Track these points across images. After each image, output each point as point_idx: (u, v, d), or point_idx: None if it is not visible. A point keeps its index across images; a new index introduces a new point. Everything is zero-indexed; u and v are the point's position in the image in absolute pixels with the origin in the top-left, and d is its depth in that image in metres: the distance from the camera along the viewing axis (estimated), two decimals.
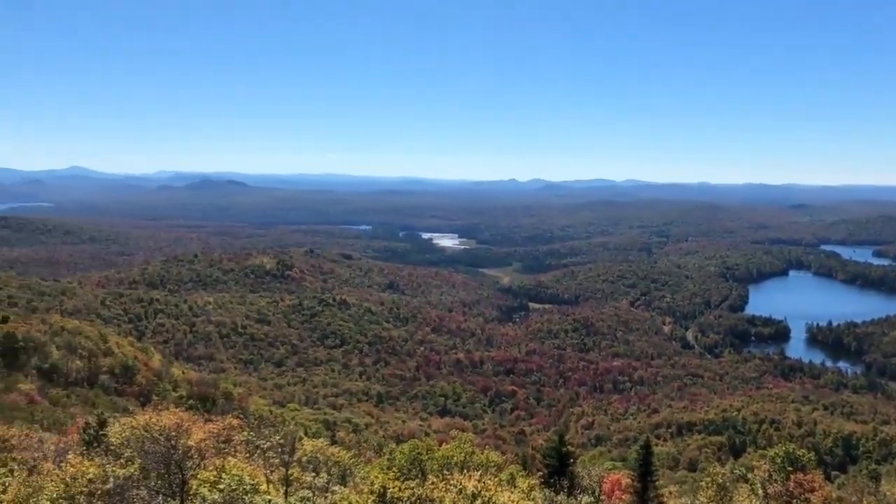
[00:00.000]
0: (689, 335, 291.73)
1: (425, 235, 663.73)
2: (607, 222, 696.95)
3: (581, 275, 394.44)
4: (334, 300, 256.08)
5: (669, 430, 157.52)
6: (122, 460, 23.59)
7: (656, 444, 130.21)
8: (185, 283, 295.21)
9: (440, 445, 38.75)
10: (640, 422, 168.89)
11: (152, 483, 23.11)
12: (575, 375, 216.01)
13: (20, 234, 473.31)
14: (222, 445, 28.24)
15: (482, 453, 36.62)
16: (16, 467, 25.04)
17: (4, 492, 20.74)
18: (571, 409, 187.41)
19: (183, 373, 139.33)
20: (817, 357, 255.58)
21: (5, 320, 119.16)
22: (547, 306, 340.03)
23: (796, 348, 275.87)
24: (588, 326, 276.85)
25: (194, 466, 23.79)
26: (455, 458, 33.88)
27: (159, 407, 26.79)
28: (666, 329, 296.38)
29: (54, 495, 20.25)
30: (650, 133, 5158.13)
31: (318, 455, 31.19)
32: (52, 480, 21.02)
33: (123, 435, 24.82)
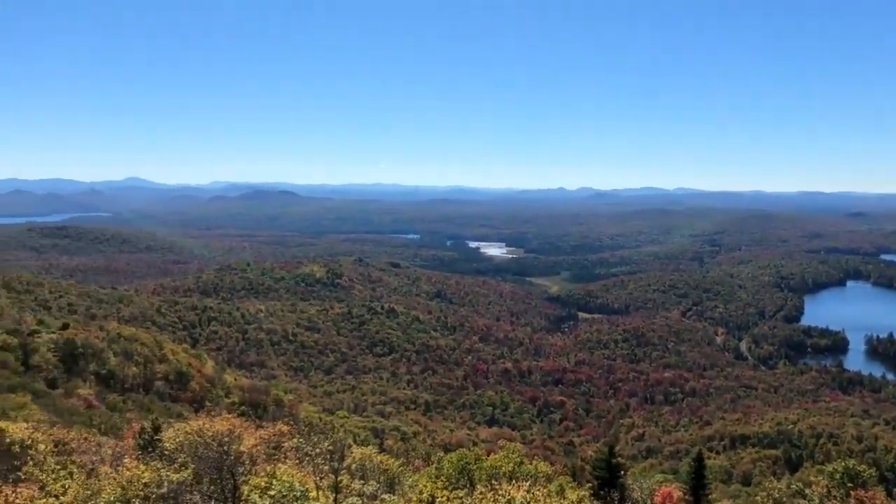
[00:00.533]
0: (743, 346, 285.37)
1: (473, 244, 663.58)
2: (658, 231, 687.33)
3: (631, 284, 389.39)
4: (383, 308, 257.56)
5: (722, 443, 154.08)
6: (175, 465, 24.02)
7: (709, 457, 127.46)
8: (237, 291, 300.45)
9: (488, 455, 38.56)
10: (691, 434, 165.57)
11: (205, 488, 23.46)
12: (625, 386, 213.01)
13: (80, 243, 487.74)
14: (273, 452, 28.59)
15: (531, 464, 36.31)
16: (75, 470, 25.70)
17: (64, 493, 21.31)
18: (621, 421, 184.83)
19: (235, 379, 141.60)
20: (877, 370, 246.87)
21: (65, 327, 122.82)
22: (596, 316, 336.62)
23: (855, 360, 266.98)
24: (638, 337, 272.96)
25: (246, 472, 24.08)
26: (503, 468, 33.66)
27: (212, 413, 27.25)
28: (718, 340, 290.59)
29: (111, 498, 20.74)
30: (702, 141, 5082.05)
31: (367, 463, 31.31)
32: (109, 483, 21.53)
33: (177, 440, 25.26)
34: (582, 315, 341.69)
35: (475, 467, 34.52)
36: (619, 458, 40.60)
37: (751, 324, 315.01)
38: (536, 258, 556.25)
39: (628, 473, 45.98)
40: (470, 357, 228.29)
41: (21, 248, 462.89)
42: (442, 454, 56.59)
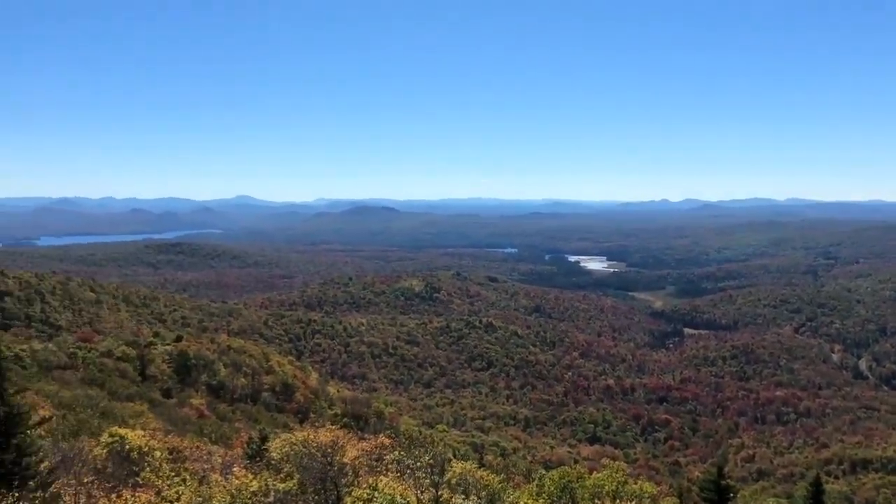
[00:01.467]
0: (862, 364, 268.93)
1: (572, 258, 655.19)
2: (768, 243, 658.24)
3: (740, 299, 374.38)
4: (481, 323, 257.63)
5: (841, 467, 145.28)
6: (281, 475, 24.60)
7: (827, 482, 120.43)
8: (340, 304, 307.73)
9: (591, 473, 37.70)
10: (806, 456, 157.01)
11: (309, 498, 23.90)
12: (734, 405, 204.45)
13: (192, 258, 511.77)
14: (375, 464, 28.84)
15: (635, 483, 35.27)
16: (188, 477, 26.67)
17: (178, 499, 22.14)
18: (730, 441, 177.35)
19: (338, 391, 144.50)
20: None
21: (179, 339, 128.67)
22: (703, 332, 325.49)
23: None
24: (748, 353, 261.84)
25: (349, 483, 24.40)
26: (606, 487, 32.82)
27: (316, 424, 27.80)
28: (835, 357, 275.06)
29: None
30: (815, 149, 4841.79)
31: (468, 477, 31.10)
32: (219, 491, 22.25)
33: (283, 450, 25.87)
34: (687, 331, 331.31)
35: (577, 485, 33.81)
36: (728, 480, 38.85)
37: (871, 341, 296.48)
38: (639, 272, 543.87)
39: (738, 496, 43.95)
40: (570, 373, 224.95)
41: (139, 263, 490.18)
42: (543, 471, 55.61)
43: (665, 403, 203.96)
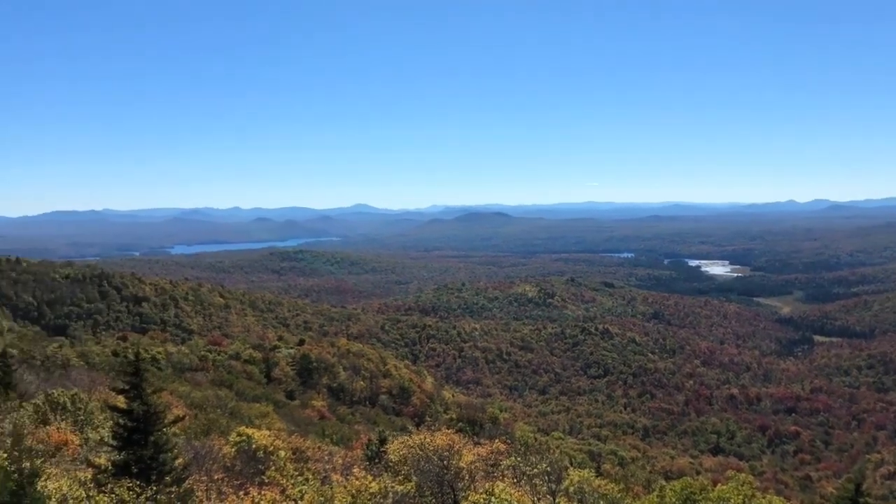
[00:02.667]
0: None
1: (692, 262, 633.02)
2: None
3: (876, 305, 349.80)
4: (596, 329, 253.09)
5: None
6: (399, 477, 24.91)
7: None
8: (454, 310, 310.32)
9: (715, 485, 36.16)
10: None
11: (426, 501, 24.09)
12: (871, 418, 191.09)
13: (313, 265, 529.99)
14: (490, 469, 28.75)
15: (763, 497, 33.54)
16: (310, 476, 27.45)
17: (301, 498, 22.80)
18: (867, 456, 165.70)
19: (452, 396, 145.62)
20: None
21: (301, 343, 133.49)
22: (835, 339, 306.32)
23: None
24: (887, 363, 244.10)
25: (465, 488, 24.42)
26: (733, 500, 31.33)
27: (432, 427, 27.95)
28: None
29: None
30: None
31: (585, 486, 30.50)
32: (340, 492, 22.77)
33: (401, 452, 26.19)
34: (818, 338, 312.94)
35: (700, 497, 32.47)
36: (866, 498, 36.31)
37: None
38: (764, 276, 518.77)
39: None
40: (691, 381, 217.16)
41: (264, 270, 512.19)
42: (663, 482, 53.93)
43: (794, 414, 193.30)
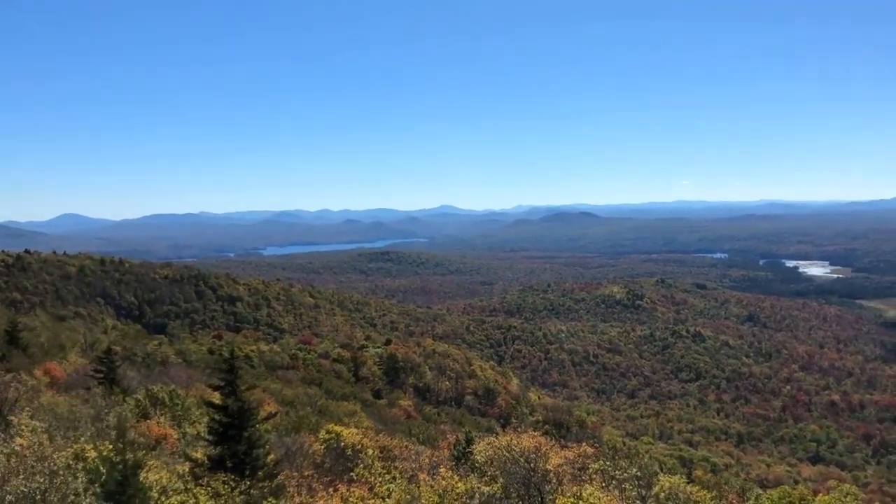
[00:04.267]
0: None
1: (790, 263, 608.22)
2: None
3: None
4: (688, 332, 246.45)
5: None
6: (486, 478, 24.83)
7: None
8: (539, 311, 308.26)
9: (815, 495, 34.56)
10: None
11: (513, 502, 23.93)
12: None
13: (400, 266, 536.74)
14: (578, 472, 28.33)
15: None
16: (397, 475, 27.71)
17: (389, 496, 23.02)
18: None
19: (539, 398, 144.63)
20: None
21: (388, 342, 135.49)
22: None
23: None
24: None
25: (552, 491, 24.14)
26: None
27: (518, 429, 27.77)
28: None
29: None
30: None
31: (678, 492, 29.67)
32: (427, 491, 22.88)
33: (487, 454, 26.11)
34: None
35: None
36: None
37: None
38: (868, 278, 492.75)
39: None
40: (789, 386, 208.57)
41: (352, 271, 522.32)
42: (759, 491, 51.95)
43: None
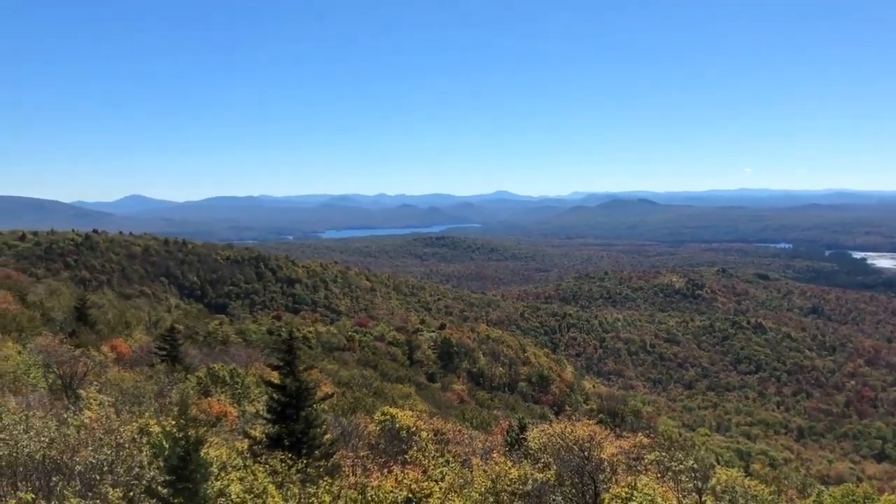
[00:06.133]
0: None
1: (857, 255, 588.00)
2: None
3: None
4: (748, 323, 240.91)
5: None
6: (539, 465, 24.77)
7: None
8: (595, 299, 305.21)
9: (881, 494, 33.49)
10: None
11: (566, 490, 23.81)
12: None
13: (455, 251, 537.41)
14: (633, 462, 28.03)
15: None
16: (451, 459, 27.85)
17: (442, 479, 23.16)
18: None
19: (593, 386, 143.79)
20: None
21: (442, 327, 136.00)
22: None
23: None
24: None
25: (606, 480, 23.95)
26: None
27: (572, 417, 27.59)
28: None
29: (482, 489, 22.09)
30: None
31: (735, 486, 29.12)
32: (480, 475, 22.95)
33: (541, 441, 26.04)
34: None
35: None
36: None
37: None
38: None
39: None
40: (853, 381, 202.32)
41: (408, 255, 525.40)
42: (820, 487, 50.63)
43: None
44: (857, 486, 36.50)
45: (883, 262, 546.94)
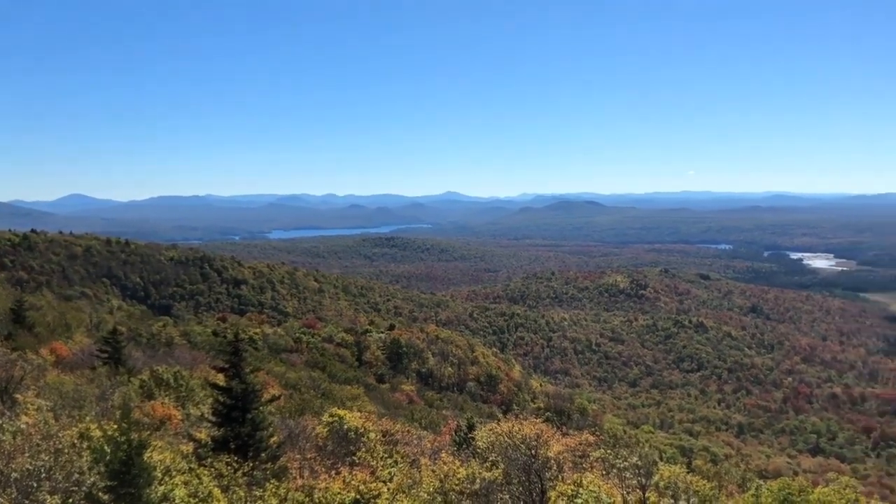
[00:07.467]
0: None
1: (794, 255, 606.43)
2: None
3: None
4: (690, 322, 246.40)
5: None
6: (487, 464, 24.94)
7: None
8: (542, 299, 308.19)
9: (814, 487, 34.59)
10: None
11: (514, 489, 24.04)
12: None
13: (404, 251, 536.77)
14: (579, 460, 28.44)
15: (867, 502, 31.88)
16: (399, 459, 27.86)
17: (391, 480, 23.16)
18: None
19: (540, 385, 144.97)
20: None
21: (392, 328, 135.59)
22: None
23: None
24: None
25: (553, 477, 24.23)
26: None
27: (520, 416, 27.85)
28: None
29: (431, 489, 22.15)
30: None
31: (677, 482, 29.78)
32: (428, 475, 23.02)
33: (489, 440, 26.19)
34: None
35: (799, 499, 31.12)
36: None
37: None
38: (872, 271, 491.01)
39: None
40: (790, 378, 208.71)
41: (357, 256, 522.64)
42: (759, 481, 52.08)
43: None
44: (794, 480, 37.63)
45: (818, 262, 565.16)
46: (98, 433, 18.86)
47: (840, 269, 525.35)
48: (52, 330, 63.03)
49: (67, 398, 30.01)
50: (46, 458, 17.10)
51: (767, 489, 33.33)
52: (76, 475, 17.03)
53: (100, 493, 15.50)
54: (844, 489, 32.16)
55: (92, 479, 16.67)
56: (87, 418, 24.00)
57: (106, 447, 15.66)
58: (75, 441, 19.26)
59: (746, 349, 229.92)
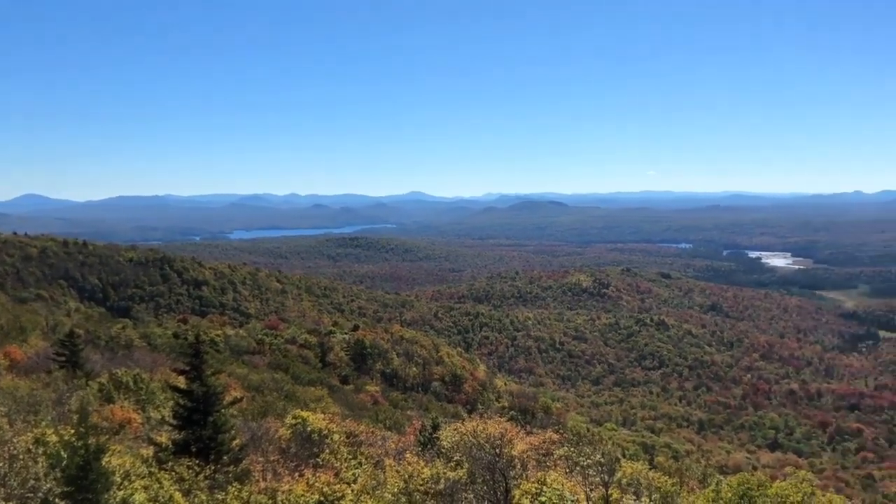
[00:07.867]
0: None
1: (753, 254, 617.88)
2: None
3: None
4: (652, 320, 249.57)
5: None
6: (451, 463, 24.98)
7: None
8: (507, 298, 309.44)
9: (773, 481, 35.25)
10: None
11: (478, 488, 24.10)
12: None
13: (368, 251, 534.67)
14: (542, 458, 28.62)
15: (823, 495, 32.54)
16: (364, 460, 27.76)
17: (355, 481, 23.07)
18: None
19: (505, 384, 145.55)
20: None
21: (356, 328, 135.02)
22: None
23: None
24: None
25: (517, 476, 24.35)
26: (791, 498, 30.41)
27: (484, 415, 27.94)
28: None
29: (395, 489, 22.12)
30: None
31: (639, 478, 30.12)
32: (392, 476, 22.98)
33: (453, 439, 26.22)
34: (883, 334, 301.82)
35: (758, 494, 31.62)
36: None
37: None
38: (828, 269, 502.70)
39: None
40: (749, 375, 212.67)
41: (320, 256, 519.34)
42: (719, 477, 52.93)
43: (857, 411, 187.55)
44: (753, 475, 38.28)
45: (776, 261, 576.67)
46: (54, 438, 18.46)
47: (797, 267, 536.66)
48: (6, 333, 61.57)
49: (22, 403, 29.33)
50: (0, 465, 16.70)
51: (727, 484, 33.82)
52: (32, 481, 16.64)
53: (56, 499, 15.18)
54: (801, 483, 32.73)
55: (48, 486, 16.31)
56: (43, 423, 23.49)
57: (62, 452, 15.35)
58: (30, 447, 18.81)
59: (706, 346, 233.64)
